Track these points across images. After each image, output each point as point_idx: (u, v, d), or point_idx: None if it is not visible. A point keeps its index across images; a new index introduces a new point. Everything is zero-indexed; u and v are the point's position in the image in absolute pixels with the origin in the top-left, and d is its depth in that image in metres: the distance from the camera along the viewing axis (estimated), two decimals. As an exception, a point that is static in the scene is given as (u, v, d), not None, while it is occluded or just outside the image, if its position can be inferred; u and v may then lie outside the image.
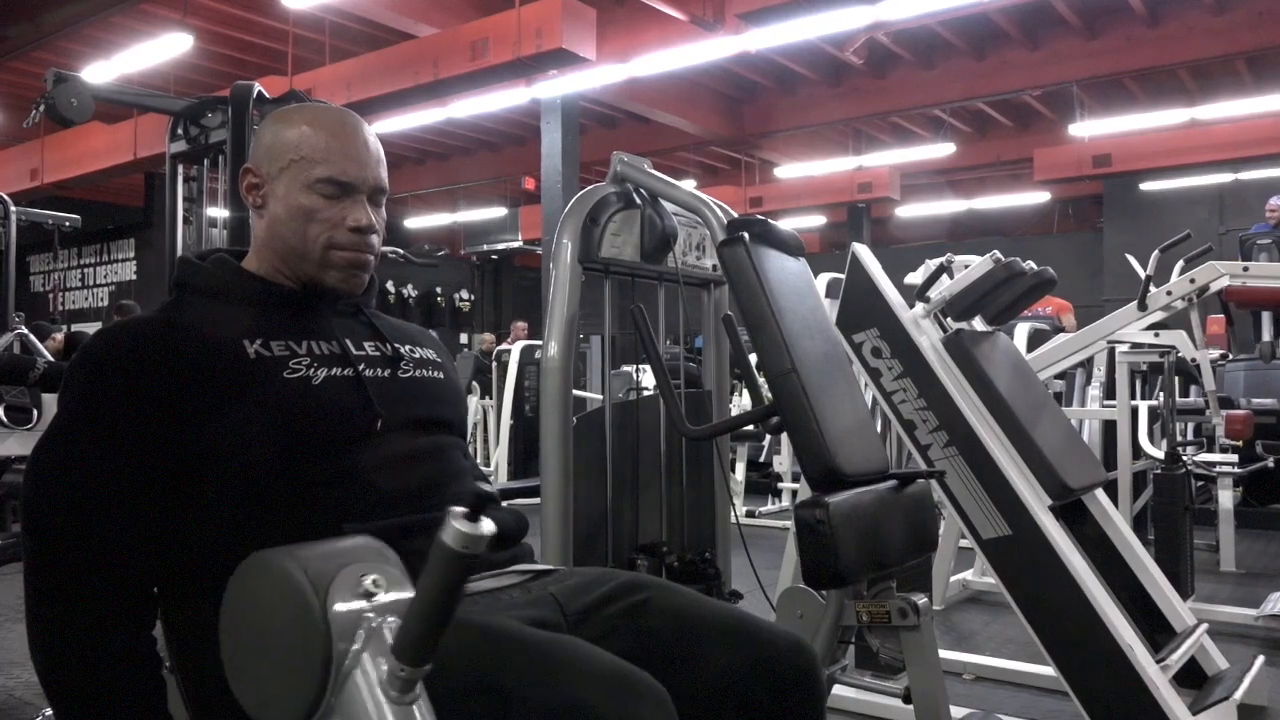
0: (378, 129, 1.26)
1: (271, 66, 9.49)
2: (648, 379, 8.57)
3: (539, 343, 7.40)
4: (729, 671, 1.06)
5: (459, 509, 0.73)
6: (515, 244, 15.58)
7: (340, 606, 0.77)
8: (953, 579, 4.04)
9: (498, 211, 15.46)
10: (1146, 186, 12.36)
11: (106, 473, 1.05)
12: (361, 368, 1.18)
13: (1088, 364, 4.94)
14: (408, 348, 1.28)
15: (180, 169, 4.09)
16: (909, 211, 14.77)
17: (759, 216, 1.93)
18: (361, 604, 0.78)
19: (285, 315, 1.19)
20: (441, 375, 1.31)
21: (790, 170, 13.29)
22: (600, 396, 2.05)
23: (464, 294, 17.28)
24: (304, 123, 1.20)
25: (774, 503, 6.68)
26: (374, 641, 0.76)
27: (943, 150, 11.83)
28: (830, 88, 10.99)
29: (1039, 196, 14.29)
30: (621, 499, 2.09)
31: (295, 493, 1.07)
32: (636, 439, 2.14)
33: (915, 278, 3.09)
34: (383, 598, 0.80)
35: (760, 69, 10.62)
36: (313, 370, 1.13)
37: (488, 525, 0.73)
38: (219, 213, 4.07)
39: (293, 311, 1.20)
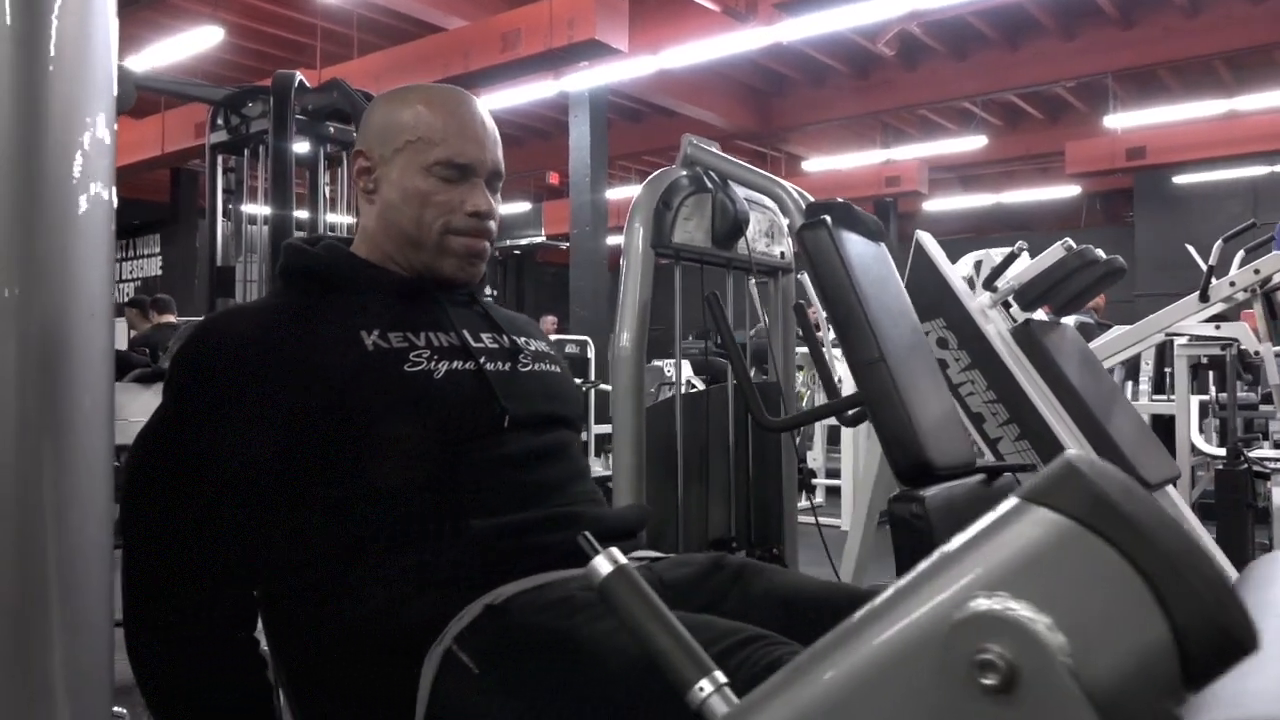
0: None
1: (299, 60, 9.47)
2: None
3: (568, 338, 7.35)
4: None
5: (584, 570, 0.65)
6: (539, 239, 15.54)
7: None
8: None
9: (521, 206, 15.42)
10: (1179, 180, 12.19)
11: (207, 472, 1.00)
12: (482, 360, 1.12)
13: (1132, 359, 4.84)
14: (524, 339, 1.22)
15: (220, 160, 4.07)
16: (936, 206, 14.63)
17: (839, 200, 1.86)
18: None
19: (401, 305, 1.13)
20: (558, 369, 1.25)
21: (817, 164, 13.18)
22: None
23: (487, 289, 17.27)
24: (419, 102, 1.15)
25: (807, 499, 6.54)
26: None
27: (973, 143, 11.69)
28: (859, 80, 10.88)
29: (1068, 191, 14.11)
30: (691, 491, 2.03)
31: (419, 492, 1.01)
32: (706, 430, 2.07)
33: (959, 269, 3.01)
34: None
35: (788, 61, 10.52)
36: (434, 363, 1.07)
37: (606, 554, 0.65)
38: (258, 209, 4.04)
39: (408, 301, 1.14)
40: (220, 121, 3.93)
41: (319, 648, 0.99)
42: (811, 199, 1.97)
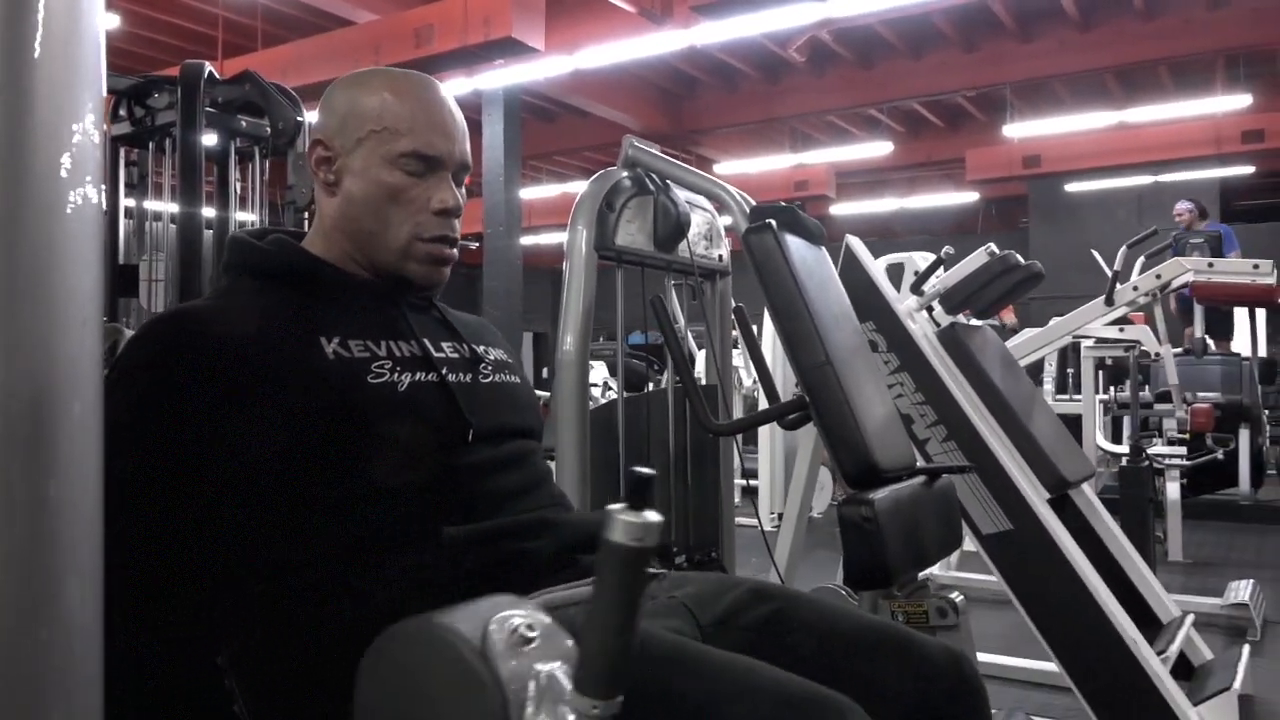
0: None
1: (200, 52, 9.12)
2: (592, 375, 8.41)
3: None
4: (885, 687, 0.99)
5: (616, 505, 0.66)
6: (448, 239, 15.31)
7: (507, 665, 0.67)
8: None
9: (430, 206, 15.16)
10: (1071, 188, 12.72)
11: (208, 471, 0.94)
12: (445, 372, 1.08)
13: (1035, 361, 5.03)
14: (483, 348, 1.18)
15: (122, 153, 3.88)
16: (843, 210, 14.95)
17: (783, 203, 1.86)
18: (524, 656, 0.68)
19: (359, 309, 1.07)
20: (518, 379, 1.21)
21: (729, 167, 13.32)
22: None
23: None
24: (385, 89, 1.09)
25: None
26: (549, 694, 0.66)
27: (880, 149, 11.99)
28: (769, 85, 11.04)
29: (967, 197, 14.59)
30: (632, 497, 2.01)
31: (383, 506, 0.97)
32: (647, 434, 2.06)
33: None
34: (540, 643, 0.70)
35: (701, 65, 10.61)
36: (397, 375, 1.03)
37: (653, 513, 0.65)
38: (163, 206, 3.87)
39: (367, 305, 1.09)
40: (123, 112, 3.75)
41: (318, 648, 0.94)
42: (754, 202, 1.97)
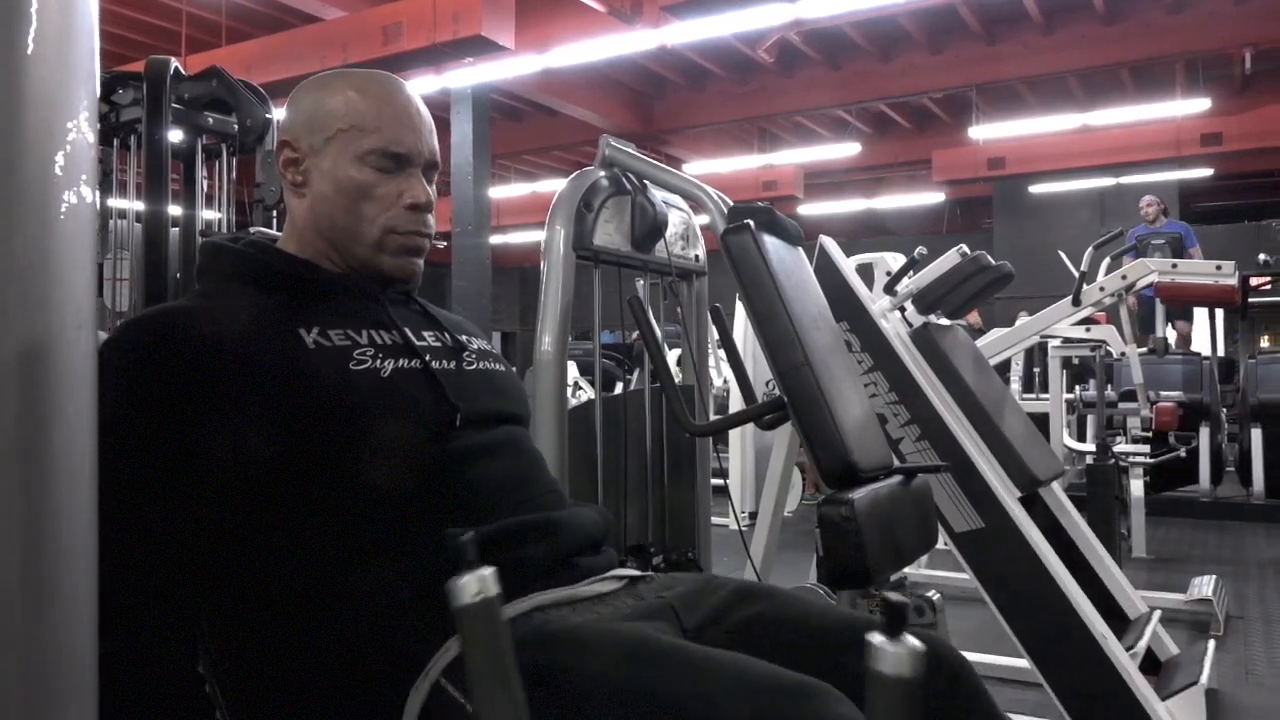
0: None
1: (163, 47, 8.99)
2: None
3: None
4: None
5: (874, 632, 0.63)
6: (416, 238, 15.20)
7: None
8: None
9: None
10: (1035, 189, 12.88)
11: (206, 472, 0.92)
12: (428, 358, 1.07)
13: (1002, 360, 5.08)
14: (465, 337, 1.18)
15: (85, 149, 3.81)
16: (811, 210, 15.03)
17: (761, 204, 1.87)
18: None
19: (338, 303, 1.07)
20: (502, 367, 1.21)
21: (698, 167, 13.34)
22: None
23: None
24: (350, 88, 1.09)
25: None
26: None
27: (848, 150, 12.07)
28: (738, 85, 11.08)
29: (933, 197, 14.73)
30: (610, 496, 2.00)
31: (375, 497, 0.95)
32: (624, 435, 2.05)
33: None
34: None
35: (670, 64, 10.62)
36: (379, 361, 1.02)
37: (913, 641, 0.63)
38: (128, 204, 3.80)
39: (345, 298, 1.08)
40: (86, 108, 3.68)
41: (316, 654, 0.92)
42: (732, 202, 1.98)
